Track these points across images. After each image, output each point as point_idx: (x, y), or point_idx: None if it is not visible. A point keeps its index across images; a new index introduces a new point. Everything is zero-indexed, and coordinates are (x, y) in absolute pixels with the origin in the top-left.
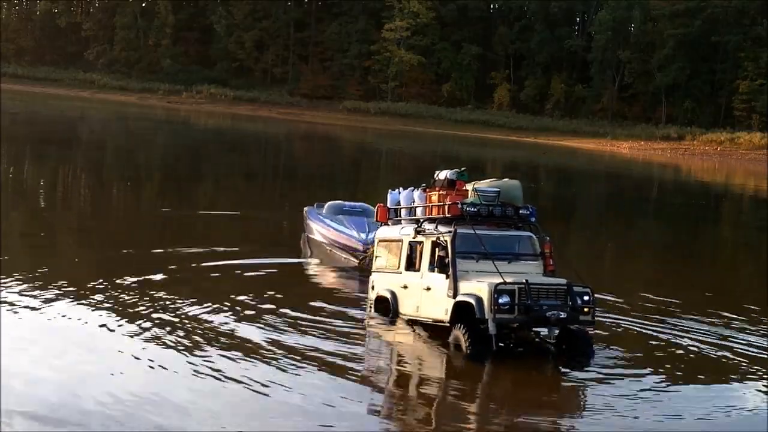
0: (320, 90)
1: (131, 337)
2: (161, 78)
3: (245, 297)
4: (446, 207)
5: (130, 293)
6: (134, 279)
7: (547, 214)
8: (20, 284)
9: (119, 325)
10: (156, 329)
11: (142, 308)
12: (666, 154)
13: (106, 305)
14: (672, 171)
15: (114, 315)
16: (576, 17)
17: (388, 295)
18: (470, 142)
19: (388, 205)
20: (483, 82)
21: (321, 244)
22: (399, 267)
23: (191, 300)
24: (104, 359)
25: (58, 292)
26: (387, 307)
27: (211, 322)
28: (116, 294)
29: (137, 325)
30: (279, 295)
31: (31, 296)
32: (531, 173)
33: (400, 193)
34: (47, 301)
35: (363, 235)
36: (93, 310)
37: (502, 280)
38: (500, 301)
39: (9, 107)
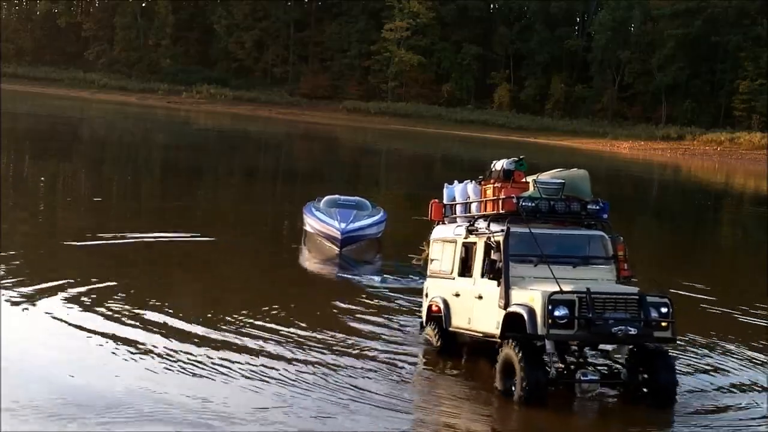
0: (320, 90)
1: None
2: (161, 78)
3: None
4: (500, 202)
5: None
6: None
7: None
8: None
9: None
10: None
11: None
12: (666, 154)
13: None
14: (673, 171)
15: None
16: (576, 17)
17: (441, 304)
18: (470, 142)
19: (444, 201)
20: (483, 82)
21: (312, 235)
22: (452, 271)
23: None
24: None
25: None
26: (439, 318)
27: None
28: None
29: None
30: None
31: None
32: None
33: (455, 187)
34: None
35: (343, 225)
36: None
37: (558, 288)
38: (556, 313)
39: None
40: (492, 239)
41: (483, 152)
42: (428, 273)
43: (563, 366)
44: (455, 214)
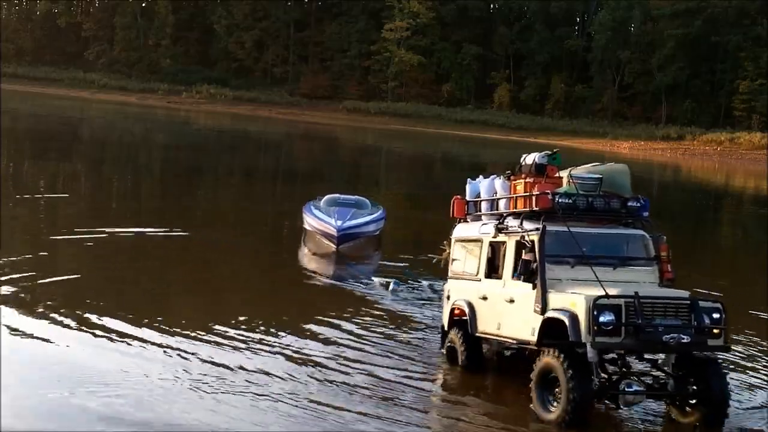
0: (320, 90)
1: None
2: (161, 78)
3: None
4: (534, 198)
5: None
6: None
7: None
8: None
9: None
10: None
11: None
12: (666, 154)
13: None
14: (673, 171)
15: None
16: (576, 17)
17: (465, 308)
18: (470, 142)
19: (467, 197)
20: (483, 82)
21: (311, 233)
22: (478, 273)
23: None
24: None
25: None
26: (463, 322)
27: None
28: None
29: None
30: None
31: None
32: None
33: (480, 182)
34: None
35: (339, 223)
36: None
37: (604, 292)
38: (601, 319)
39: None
40: (526, 238)
41: (483, 152)
42: (449, 274)
43: (605, 376)
44: (480, 211)
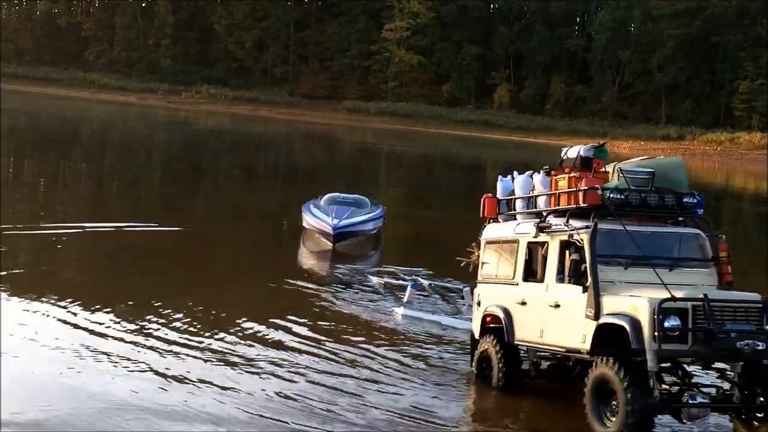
0: (320, 90)
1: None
2: (161, 78)
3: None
4: (581, 194)
5: None
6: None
7: None
8: None
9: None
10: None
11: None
12: (666, 154)
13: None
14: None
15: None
16: (576, 17)
17: (501, 314)
18: (470, 142)
19: (498, 195)
20: (483, 82)
21: (310, 231)
22: (514, 276)
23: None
24: None
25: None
26: (498, 330)
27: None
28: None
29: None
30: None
31: None
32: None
33: (513, 179)
34: None
35: (336, 221)
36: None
37: (669, 295)
38: (667, 324)
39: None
40: (574, 237)
41: (483, 152)
42: (479, 279)
43: (666, 388)
44: (514, 210)
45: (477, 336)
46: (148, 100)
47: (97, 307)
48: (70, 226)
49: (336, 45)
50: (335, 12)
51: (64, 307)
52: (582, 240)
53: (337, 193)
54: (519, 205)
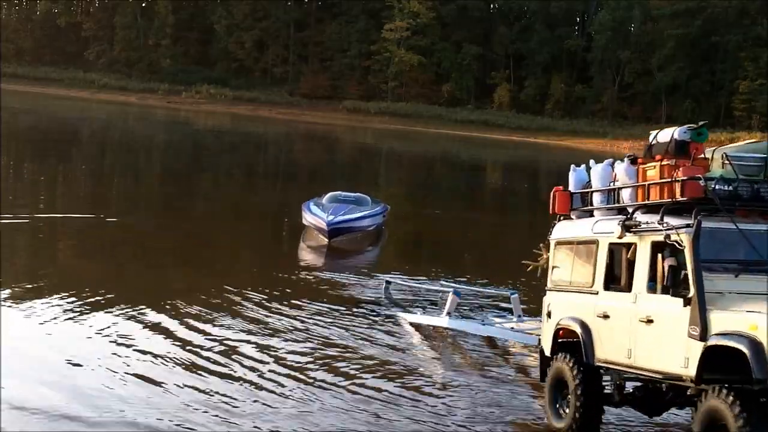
0: (320, 90)
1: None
2: (161, 78)
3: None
4: (678, 185)
5: None
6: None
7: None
8: None
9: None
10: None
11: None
12: None
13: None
14: None
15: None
16: (576, 17)
17: (577, 329)
18: (470, 142)
19: (571, 188)
20: (483, 82)
21: (309, 228)
22: (593, 284)
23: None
24: None
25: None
26: (574, 347)
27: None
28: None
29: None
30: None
31: None
32: (532, 173)
33: (590, 169)
34: None
35: (331, 217)
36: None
37: None
38: None
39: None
40: (672, 238)
41: (483, 152)
42: (549, 285)
43: None
44: (591, 205)
45: (548, 353)
46: (148, 100)
47: (102, 302)
48: (66, 217)
49: (336, 45)
50: (335, 12)
51: (60, 305)
52: (682, 241)
53: (339, 192)
54: (597, 199)
